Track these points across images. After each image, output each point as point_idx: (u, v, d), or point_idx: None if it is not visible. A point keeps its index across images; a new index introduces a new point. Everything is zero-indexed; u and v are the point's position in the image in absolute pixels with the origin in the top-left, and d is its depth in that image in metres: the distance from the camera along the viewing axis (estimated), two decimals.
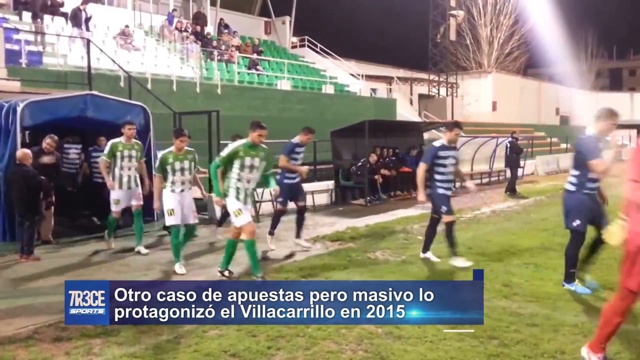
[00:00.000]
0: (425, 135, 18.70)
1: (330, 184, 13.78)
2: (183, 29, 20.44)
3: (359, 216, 11.42)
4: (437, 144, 7.23)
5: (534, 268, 6.95)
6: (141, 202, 8.19)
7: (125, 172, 8.06)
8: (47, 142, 8.54)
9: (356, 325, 4.94)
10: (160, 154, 7.43)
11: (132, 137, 8.17)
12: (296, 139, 8.32)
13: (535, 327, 4.95)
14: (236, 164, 6.30)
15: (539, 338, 4.71)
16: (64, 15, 16.68)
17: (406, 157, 15.56)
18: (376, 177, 13.84)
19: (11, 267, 7.28)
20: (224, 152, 6.39)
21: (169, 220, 7.07)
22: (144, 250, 8.01)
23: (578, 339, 4.65)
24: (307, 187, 12.49)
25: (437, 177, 7.13)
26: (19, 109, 8.41)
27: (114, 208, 8.07)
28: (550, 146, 26.91)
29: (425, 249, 7.48)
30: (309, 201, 12.58)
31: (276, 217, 8.54)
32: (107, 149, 8.03)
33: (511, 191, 15.13)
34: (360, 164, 13.69)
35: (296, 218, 8.51)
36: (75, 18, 15.93)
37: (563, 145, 29.47)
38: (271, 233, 8.40)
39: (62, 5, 16.73)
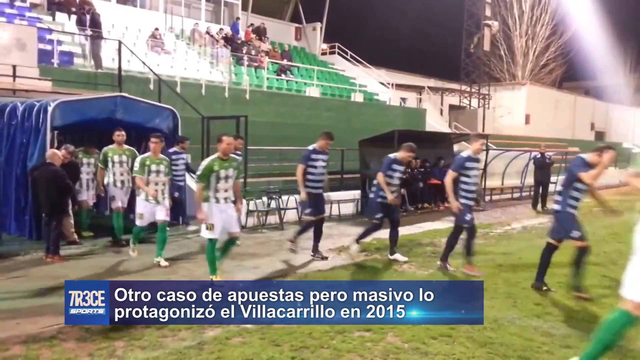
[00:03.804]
0: (455, 147, 18.39)
1: (356, 193, 13.63)
2: (252, 40, 21.13)
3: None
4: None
5: (567, 287, 6.70)
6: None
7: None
8: (62, 153, 8.14)
9: (382, 339, 4.89)
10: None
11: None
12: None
13: (569, 348, 4.78)
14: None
15: None
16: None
17: (434, 169, 15.31)
18: (402, 190, 13.69)
19: (37, 266, 7.33)
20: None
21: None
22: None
23: None
24: (332, 196, 12.47)
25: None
26: (49, 109, 8.48)
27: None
28: None
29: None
30: (334, 210, 12.48)
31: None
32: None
33: (532, 206, 15.10)
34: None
35: None
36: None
37: None
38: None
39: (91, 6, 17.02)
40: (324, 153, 8.05)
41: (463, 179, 7.23)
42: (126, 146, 8.79)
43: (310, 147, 8.06)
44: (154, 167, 7.60)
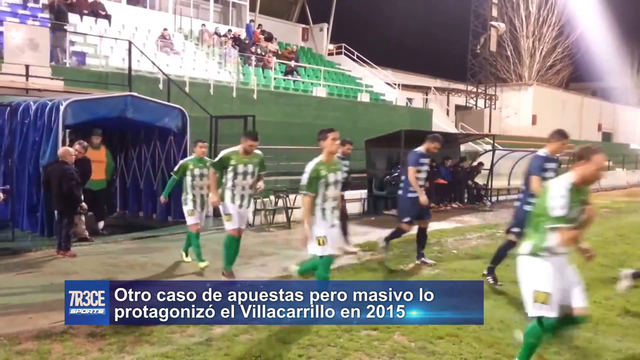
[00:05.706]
0: (462, 147, 18.40)
1: (363, 193, 13.67)
2: (260, 41, 21.35)
3: (392, 227, 11.22)
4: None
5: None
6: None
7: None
8: (76, 148, 8.29)
9: (389, 338, 4.90)
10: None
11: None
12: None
13: (577, 350, 4.78)
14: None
15: None
16: (107, 17, 17.12)
17: (441, 168, 15.31)
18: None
19: (49, 262, 7.45)
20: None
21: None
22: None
23: None
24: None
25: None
26: (61, 108, 8.62)
27: None
28: None
29: None
30: None
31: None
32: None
33: None
34: (395, 174, 13.54)
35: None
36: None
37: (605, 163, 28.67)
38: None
39: (103, 7, 17.17)
40: (556, 161, 6.41)
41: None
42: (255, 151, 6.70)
43: (542, 153, 6.36)
44: (331, 178, 5.47)
